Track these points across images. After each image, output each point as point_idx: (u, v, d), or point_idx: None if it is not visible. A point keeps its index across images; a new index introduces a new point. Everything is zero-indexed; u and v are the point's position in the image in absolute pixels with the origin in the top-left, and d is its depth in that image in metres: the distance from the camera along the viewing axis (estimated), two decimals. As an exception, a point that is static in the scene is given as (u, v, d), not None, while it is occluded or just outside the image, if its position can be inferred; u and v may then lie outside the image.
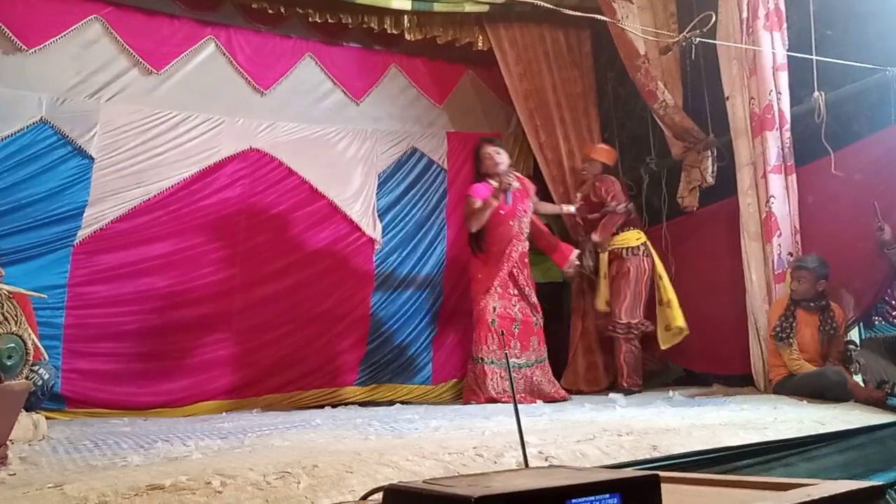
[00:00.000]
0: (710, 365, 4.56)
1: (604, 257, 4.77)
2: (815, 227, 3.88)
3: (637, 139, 5.17)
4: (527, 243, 4.49)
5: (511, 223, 4.37)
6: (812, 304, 3.62)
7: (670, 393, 4.05)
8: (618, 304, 4.63)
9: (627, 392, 4.32)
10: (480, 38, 5.09)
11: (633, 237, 4.72)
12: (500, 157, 4.41)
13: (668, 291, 4.56)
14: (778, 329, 3.62)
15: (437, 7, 4.63)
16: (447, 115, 5.34)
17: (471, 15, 4.94)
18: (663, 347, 4.56)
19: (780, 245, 3.83)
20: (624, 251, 4.69)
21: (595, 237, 4.72)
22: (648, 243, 4.71)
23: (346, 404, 4.54)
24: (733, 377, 4.21)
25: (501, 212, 4.34)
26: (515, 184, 4.37)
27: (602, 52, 5.21)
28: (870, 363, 3.36)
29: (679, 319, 4.45)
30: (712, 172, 4.53)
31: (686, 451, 2.23)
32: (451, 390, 5.05)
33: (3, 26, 3.88)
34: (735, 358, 4.14)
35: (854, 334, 3.81)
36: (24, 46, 3.93)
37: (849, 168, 3.72)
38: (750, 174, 3.98)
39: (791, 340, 3.59)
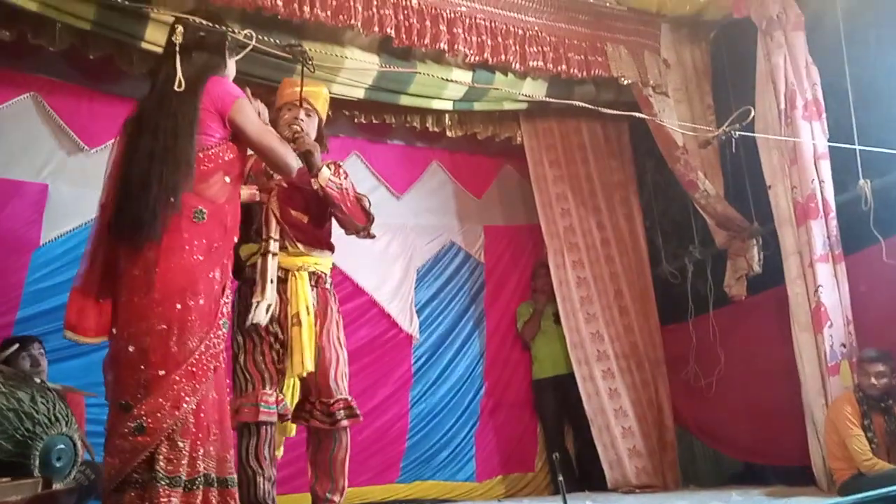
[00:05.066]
0: (767, 457, 4.38)
1: (299, 282, 2.90)
2: (868, 317, 3.76)
3: (679, 227, 5.14)
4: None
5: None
6: (883, 404, 3.46)
7: (733, 495, 3.80)
8: (332, 367, 2.87)
9: None
10: (519, 132, 5.17)
11: (329, 261, 3.09)
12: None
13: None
14: (870, 444, 3.38)
15: (477, 106, 4.76)
16: (485, 209, 5.39)
17: (509, 111, 5.07)
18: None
19: (831, 336, 3.70)
20: (325, 279, 3.03)
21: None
22: None
23: (390, 503, 4.42)
24: (792, 471, 4.02)
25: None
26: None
27: (640, 141, 5.26)
28: (941, 461, 3.18)
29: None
30: (759, 261, 4.47)
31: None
32: (498, 486, 4.89)
33: (69, 129, 4.09)
34: (792, 450, 3.98)
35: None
36: (86, 147, 4.11)
37: (901, 256, 3.64)
38: (797, 263, 3.91)
39: (875, 444, 3.39)
